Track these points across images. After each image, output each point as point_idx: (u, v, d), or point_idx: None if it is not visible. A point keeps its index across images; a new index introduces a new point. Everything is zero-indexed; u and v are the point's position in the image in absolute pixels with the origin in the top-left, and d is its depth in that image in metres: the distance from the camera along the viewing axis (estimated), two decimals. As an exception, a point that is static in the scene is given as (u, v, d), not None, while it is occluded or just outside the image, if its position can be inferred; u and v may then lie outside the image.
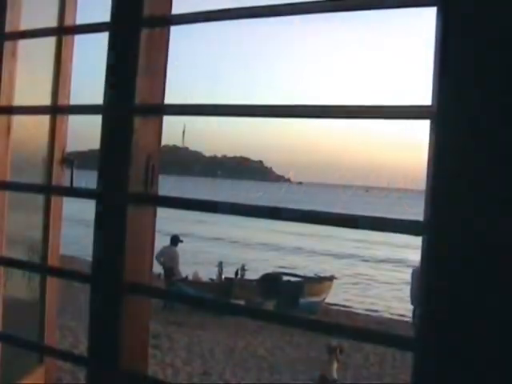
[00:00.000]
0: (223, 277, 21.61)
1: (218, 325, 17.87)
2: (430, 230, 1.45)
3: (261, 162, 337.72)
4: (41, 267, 2.89)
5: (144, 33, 1.91)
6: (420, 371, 1.46)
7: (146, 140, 1.97)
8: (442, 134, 1.44)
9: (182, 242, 21.47)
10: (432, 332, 1.44)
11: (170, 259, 20.46)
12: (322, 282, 22.68)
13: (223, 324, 17.97)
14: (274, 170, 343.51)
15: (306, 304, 20.62)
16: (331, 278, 23.37)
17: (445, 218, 1.42)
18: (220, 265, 21.85)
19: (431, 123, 1.48)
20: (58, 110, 2.89)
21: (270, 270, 24.98)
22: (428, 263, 1.45)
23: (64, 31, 2.84)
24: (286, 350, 16.18)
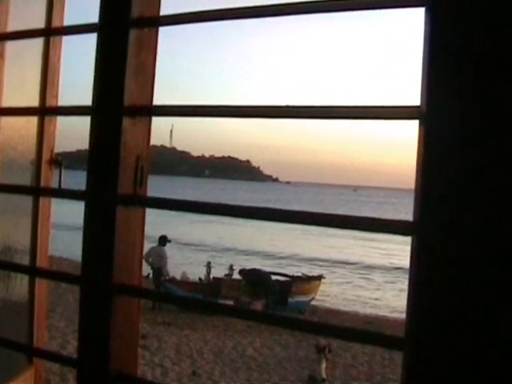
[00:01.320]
0: (211, 277, 21.60)
1: (207, 325, 17.89)
2: (418, 229, 1.46)
3: (248, 161, 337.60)
4: (30, 269, 2.88)
5: (133, 33, 1.91)
6: (410, 371, 1.46)
7: (135, 141, 1.97)
8: (430, 134, 1.44)
9: (170, 242, 21.43)
10: (421, 331, 1.44)
11: (158, 259, 20.42)
12: (311, 281, 22.71)
13: (212, 324, 17.99)
14: (261, 169, 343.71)
15: (295, 303, 20.66)
16: (319, 278, 23.39)
17: (434, 217, 1.43)
18: (208, 265, 21.85)
19: (420, 123, 1.49)
20: (46, 111, 2.88)
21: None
22: (417, 263, 1.46)
23: (52, 32, 2.82)
24: (274, 349, 16.20)
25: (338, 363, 15.03)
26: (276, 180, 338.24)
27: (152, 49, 1.99)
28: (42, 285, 3.05)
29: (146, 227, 2.08)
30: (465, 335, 1.39)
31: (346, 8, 1.70)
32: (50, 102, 2.91)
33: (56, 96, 2.97)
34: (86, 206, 1.96)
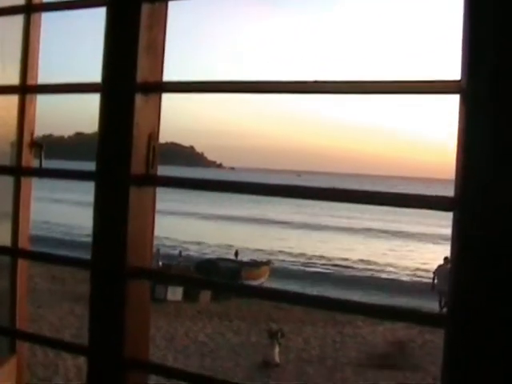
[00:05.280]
0: (160, 263, 21.52)
1: (158, 312, 17.82)
2: (459, 205, 1.44)
3: (192, 147, 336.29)
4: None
5: (144, 8, 1.85)
6: (452, 348, 1.45)
7: (148, 119, 1.90)
8: (471, 108, 1.43)
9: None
10: (464, 308, 1.43)
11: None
12: (259, 266, 22.96)
13: (163, 311, 17.93)
14: (205, 155, 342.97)
15: (244, 289, 20.72)
16: (268, 263, 23.66)
17: (475, 193, 1.41)
18: (157, 251, 21.74)
19: (461, 98, 1.47)
20: (29, 89, 2.79)
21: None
22: (458, 238, 1.44)
23: (34, 8, 2.73)
24: (226, 335, 16.27)
25: (291, 348, 15.15)
26: (220, 166, 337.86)
27: (163, 24, 1.93)
28: (23, 271, 2.98)
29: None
30: (507, 310, 1.38)
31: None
32: (29, 82, 2.83)
33: (36, 76, 2.90)
34: (96, 187, 1.89)
